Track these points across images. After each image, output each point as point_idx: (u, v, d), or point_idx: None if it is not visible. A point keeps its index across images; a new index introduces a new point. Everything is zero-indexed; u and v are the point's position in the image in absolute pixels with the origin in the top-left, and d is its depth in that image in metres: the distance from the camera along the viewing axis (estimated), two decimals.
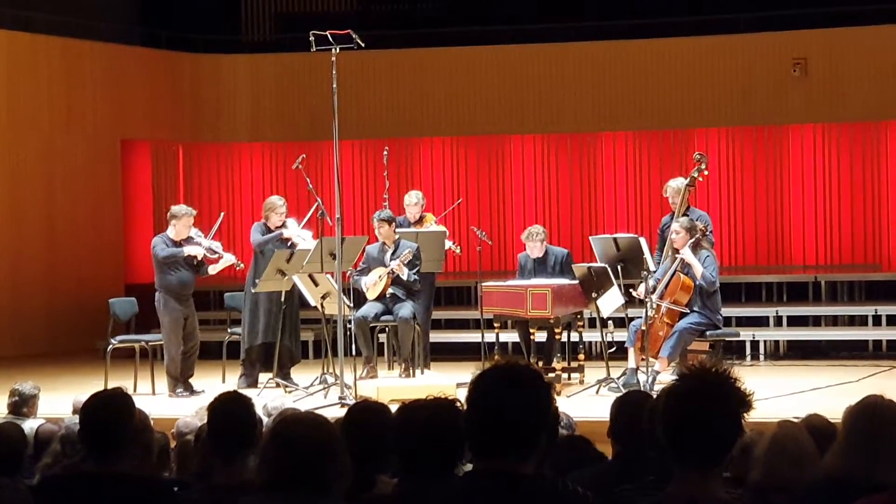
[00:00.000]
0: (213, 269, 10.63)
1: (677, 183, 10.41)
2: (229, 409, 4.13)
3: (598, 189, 16.12)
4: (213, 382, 10.79)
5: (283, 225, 10.73)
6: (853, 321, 13.74)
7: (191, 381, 10.52)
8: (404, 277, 10.34)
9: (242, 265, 10.68)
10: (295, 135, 16.07)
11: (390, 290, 10.50)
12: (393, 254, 10.49)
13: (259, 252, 10.65)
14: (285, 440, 3.29)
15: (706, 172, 10.64)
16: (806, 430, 4.09)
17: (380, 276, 10.46)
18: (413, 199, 11.43)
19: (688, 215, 10.20)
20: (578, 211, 16.05)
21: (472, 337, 12.15)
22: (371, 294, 10.57)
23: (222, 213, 11.97)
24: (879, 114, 15.12)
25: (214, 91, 16.52)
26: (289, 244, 10.63)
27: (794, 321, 13.53)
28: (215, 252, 10.54)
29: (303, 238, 10.72)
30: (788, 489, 3.75)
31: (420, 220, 11.40)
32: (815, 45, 15.21)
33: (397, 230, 10.73)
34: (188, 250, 10.37)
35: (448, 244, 11.24)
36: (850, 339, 13.30)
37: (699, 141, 15.70)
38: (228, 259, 10.57)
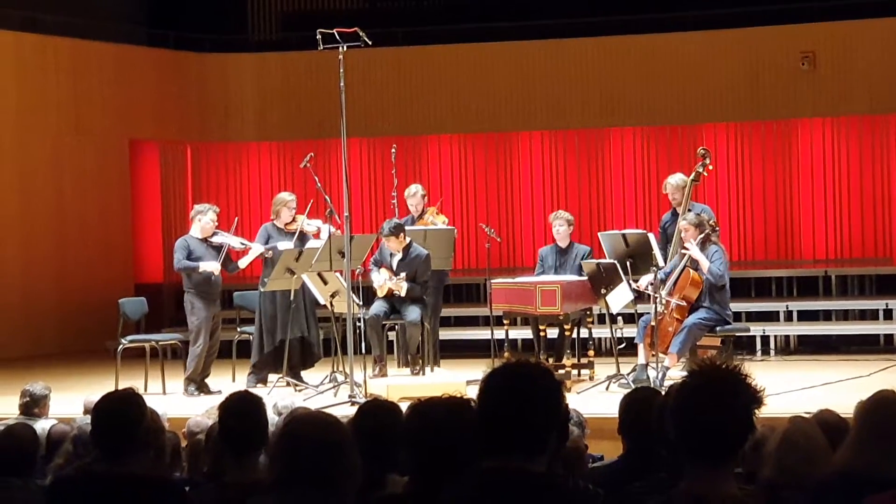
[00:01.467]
0: (242, 263, 10.64)
1: (676, 179, 10.40)
2: (240, 409, 4.14)
3: (606, 185, 16.10)
4: (223, 381, 10.79)
5: (294, 220, 10.70)
6: (864, 315, 13.70)
7: (207, 381, 10.52)
8: (402, 294, 10.32)
9: (271, 253, 10.60)
10: (302, 133, 16.07)
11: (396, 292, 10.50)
12: (401, 260, 10.44)
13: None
14: (295, 439, 3.29)
15: (711, 167, 10.62)
16: (817, 425, 4.08)
17: (387, 279, 10.43)
18: (412, 191, 11.39)
19: (690, 210, 10.19)
20: (587, 207, 16.03)
21: (482, 334, 12.16)
22: (380, 293, 10.57)
23: (237, 218, 11.96)
24: (888, 107, 15.07)
25: (222, 90, 16.54)
26: (297, 235, 10.59)
27: (805, 316, 13.49)
28: (244, 244, 10.56)
29: (316, 226, 10.70)
30: (800, 485, 3.74)
31: (422, 215, 11.36)
32: (823, 38, 15.17)
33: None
34: (203, 266, 10.33)
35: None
36: (861, 333, 13.26)
37: (707, 136, 15.67)
38: (257, 249, 10.57)
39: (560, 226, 10.71)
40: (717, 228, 10.14)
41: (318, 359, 10.87)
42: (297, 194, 11.20)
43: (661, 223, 10.73)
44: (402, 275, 10.28)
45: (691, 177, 10.33)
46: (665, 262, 10.17)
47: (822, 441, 3.89)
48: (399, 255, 10.44)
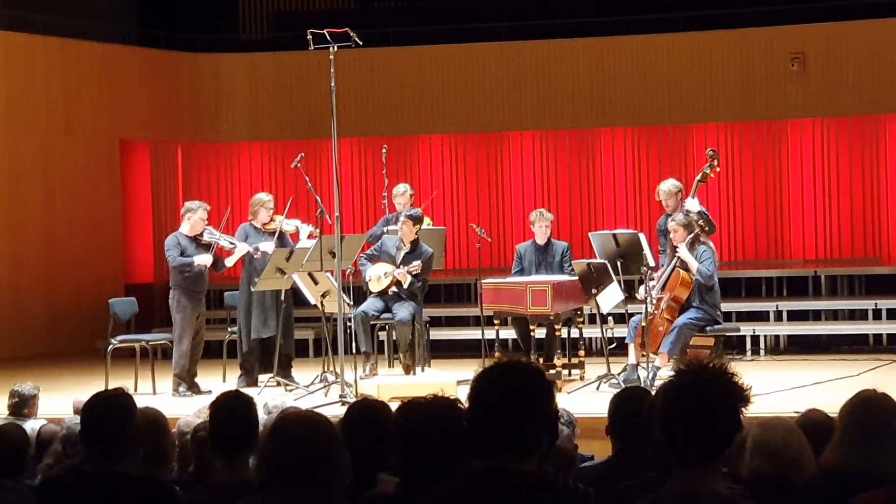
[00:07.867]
0: (229, 262, 10.65)
1: (668, 186, 10.37)
2: (231, 408, 4.14)
3: (597, 185, 16.13)
4: (213, 382, 10.79)
5: (272, 220, 10.72)
6: (853, 315, 13.74)
7: (196, 380, 10.52)
8: (405, 285, 10.36)
9: (260, 254, 10.61)
10: (293, 133, 16.07)
11: (392, 289, 10.52)
12: (409, 252, 10.48)
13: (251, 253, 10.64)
14: (284, 439, 3.29)
15: (718, 169, 10.61)
16: (797, 424, 4.09)
17: (385, 274, 10.47)
18: (401, 190, 11.43)
19: (688, 211, 10.16)
20: (578, 207, 16.05)
21: (473, 334, 12.16)
22: (374, 287, 10.58)
23: (229, 208, 11.96)
24: (878, 107, 15.13)
25: (213, 90, 16.53)
26: (276, 235, 10.58)
27: (795, 316, 13.53)
28: (232, 243, 10.56)
29: (294, 226, 10.72)
30: (784, 485, 3.75)
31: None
32: (813, 39, 15.22)
33: (388, 228, 10.75)
34: (198, 260, 10.34)
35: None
36: (851, 333, 13.29)
37: (698, 136, 15.71)
38: (242, 248, 10.57)
39: (543, 225, 10.75)
40: (708, 228, 10.11)
41: (291, 359, 10.87)
42: (288, 194, 11.21)
43: (658, 226, 10.70)
44: (416, 264, 10.31)
45: (698, 177, 10.32)
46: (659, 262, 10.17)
47: (791, 438, 3.89)
48: (407, 248, 10.47)
